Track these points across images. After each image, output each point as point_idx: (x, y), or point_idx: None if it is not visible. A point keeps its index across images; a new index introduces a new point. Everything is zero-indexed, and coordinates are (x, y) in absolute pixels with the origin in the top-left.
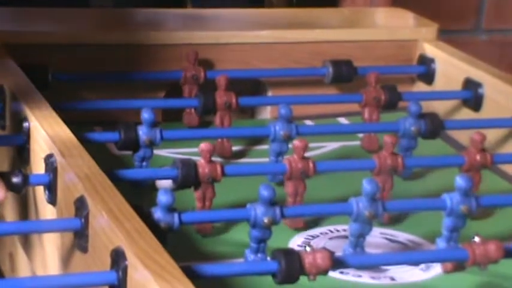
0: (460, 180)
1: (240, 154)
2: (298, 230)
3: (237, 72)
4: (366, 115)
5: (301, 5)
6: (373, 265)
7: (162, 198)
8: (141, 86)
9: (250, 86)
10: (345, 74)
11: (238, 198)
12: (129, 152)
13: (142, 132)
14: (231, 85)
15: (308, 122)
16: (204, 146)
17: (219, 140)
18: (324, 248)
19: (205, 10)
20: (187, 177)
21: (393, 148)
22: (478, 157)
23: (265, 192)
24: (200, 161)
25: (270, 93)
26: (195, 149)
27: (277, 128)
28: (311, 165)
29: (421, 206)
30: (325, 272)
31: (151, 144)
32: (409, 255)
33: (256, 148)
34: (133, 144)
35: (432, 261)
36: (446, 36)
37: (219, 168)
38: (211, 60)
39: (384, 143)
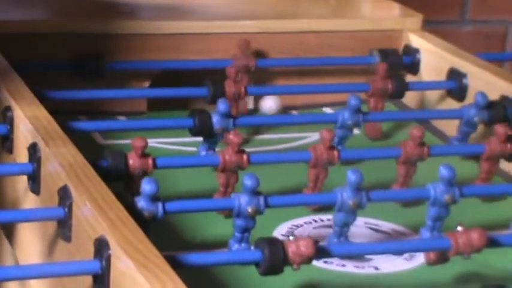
0: (443, 170)
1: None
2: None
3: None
4: (372, 104)
5: None
6: (357, 254)
7: (146, 187)
8: (125, 75)
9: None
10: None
11: None
12: (115, 142)
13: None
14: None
15: (294, 112)
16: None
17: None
18: (308, 237)
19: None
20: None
21: (330, 142)
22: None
23: (248, 182)
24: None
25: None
26: (183, 139)
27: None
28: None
29: (405, 196)
30: (308, 261)
31: None
32: (393, 245)
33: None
34: None
35: (416, 251)
36: (431, 26)
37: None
38: (199, 51)
39: (322, 139)
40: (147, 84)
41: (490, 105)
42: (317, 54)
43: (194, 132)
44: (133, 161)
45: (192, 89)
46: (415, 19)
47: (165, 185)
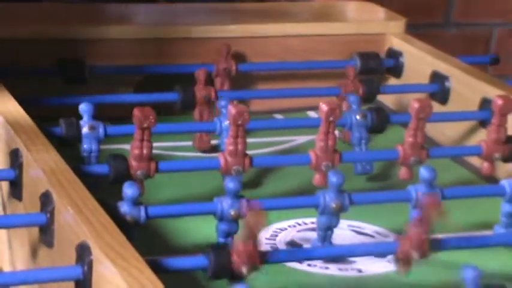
0: (424, 172)
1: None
2: None
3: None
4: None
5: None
6: (308, 259)
7: (128, 191)
8: (108, 81)
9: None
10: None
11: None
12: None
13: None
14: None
15: (278, 116)
16: None
17: (198, 134)
18: (255, 243)
19: (176, 4)
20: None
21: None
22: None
23: (231, 185)
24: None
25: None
26: (166, 144)
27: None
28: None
29: (387, 198)
30: (256, 268)
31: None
32: (375, 247)
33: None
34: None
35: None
36: (416, 30)
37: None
38: (185, 55)
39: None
40: (131, 89)
41: None
42: (302, 58)
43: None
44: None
45: (162, 94)
46: (399, 23)
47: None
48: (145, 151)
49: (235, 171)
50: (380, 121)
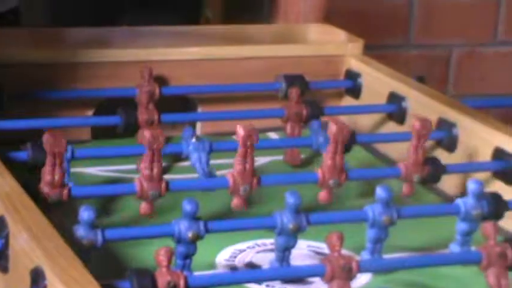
0: (380, 191)
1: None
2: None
3: (167, 89)
4: (289, 130)
5: (236, 20)
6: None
7: (84, 214)
8: (69, 104)
9: (181, 103)
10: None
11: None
12: None
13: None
14: (163, 101)
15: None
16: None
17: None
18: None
19: (139, 28)
20: None
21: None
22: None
23: (188, 207)
24: None
25: (199, 110)
26: (123, 166)
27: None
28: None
29: (344, 218)
30: None
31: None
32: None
33: (181, 165)
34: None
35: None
36: (376, 51)
37: None
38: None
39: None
40: (90, 112)
41: None
42: (261, 80)
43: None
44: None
45: (105, 118)
46: (357, 44)
47: None
48: (155, 171)
49: (151, 196)
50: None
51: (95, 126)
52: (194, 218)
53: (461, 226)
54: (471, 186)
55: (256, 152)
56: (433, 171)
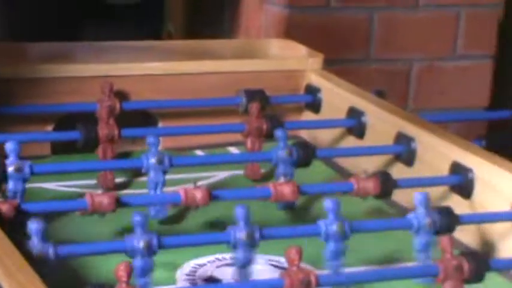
0: (329, 203)
1: (123, 185)
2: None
3: (128, 104)
4: (249, 144)
5: (198, 35)
6: None
7: (33, 226)
8: (29, 119)
9: (142, 118)
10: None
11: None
12: None
13: (10, 164)
14: (124, 116)
15: (199, 152)
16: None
17: (102, 172)
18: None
19: (101, 42)
20: None
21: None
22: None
23: (138, 218)
24: None
25: (160, 124)
26: (83, 181)
27: (149, 160)
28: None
29: (297, 233)
30: None
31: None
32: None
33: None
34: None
35: None
36: (337, 65)
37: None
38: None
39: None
40: (50, 127)
41: None
42: (222, 94)
43: None
44: None
45: (65, 133)
46: (317, 59)
47: None
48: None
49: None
50: (306, 156)
51: (54, 142)
52: (145, 231)
53: (417, 239)
54: (417, 197)
55: (217, 166)
56: (384, 186)
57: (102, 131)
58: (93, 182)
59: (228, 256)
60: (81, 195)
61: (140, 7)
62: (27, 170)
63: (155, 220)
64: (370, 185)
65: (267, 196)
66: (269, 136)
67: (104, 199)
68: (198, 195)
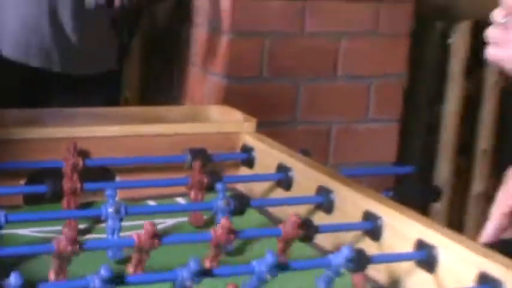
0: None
1: (86, 231)
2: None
3: (90, 161)
4: (192, 196)
5: (151, 101)
6: None
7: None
8: (3, 174)
9: (102, 172)
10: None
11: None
12: None
13: None
14: (86, 171)
15: (151, 202)
16: None
17: (67, 220)
18: None
19: (68, 109)
20: None
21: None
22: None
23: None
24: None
25: (118, 179)
26: (55, 227)
27: (108, 210)
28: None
29: (234, 272)
30: None
31: None
32: None
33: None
34: None
35: None
36: (268, 127)
37: None
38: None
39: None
40: (22, 181)
41: None
42: (170, 153)
43: None
44: None
45: (34, 187)
46: (251, 123)
47: None
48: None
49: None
50: (241, 205)
51: (25, 194)
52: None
53: (328, 275)
54: (344, 250)
55: (165, 214)
56: (307, 231)
57: (66, 185)
58: (60, 228)
59: None
60: (49, 240)
61: (101, 77)
62: (2, 218)
63: (112, 260)
64: (296, 231)
65: (208, 240)
66: (210, 188)
67: (68, 244)
68: (149, 240)
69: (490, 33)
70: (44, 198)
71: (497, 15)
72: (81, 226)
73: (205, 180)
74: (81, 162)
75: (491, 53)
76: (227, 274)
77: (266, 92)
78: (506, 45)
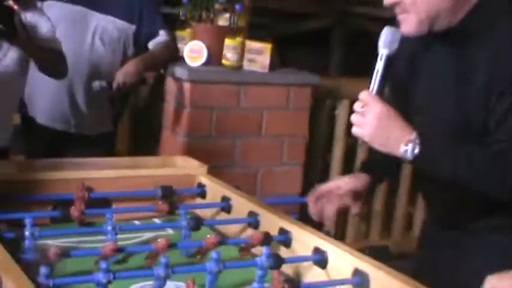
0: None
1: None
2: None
3: (93, 194)
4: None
5: (139, 152)
6: None
7: (42, 269)
8: (37, 203)
9: (102, 201)
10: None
11: None
12: None
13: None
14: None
15: (136, 222)
16: None
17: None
18: None
19: (79, 159)
20: None
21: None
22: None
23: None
24: None
25: (113, 206)
26: (72, 239)
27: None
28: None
29: (193, 270)
30: None
31: None
32: None
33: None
34: None
35: None
36: (216, 169)
37: None
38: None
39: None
40: (50, 207)
41: None
42: (149, 188)
43: None
44: None
45: (52, 212)
46: (204, 168)
47: None
48: None
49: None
50: (197, 224)
51: (51, 217)
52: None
53: (259, 273)
54: (264, 251)
55: (146, 230)
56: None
57: (73, 212)
58: (75, 239)
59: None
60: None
61: (102, 136)
62: (36, 233)
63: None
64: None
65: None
66: (170, 213)
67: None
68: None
69: (353, 118)
70: (64, 220)
71: (357, 106)
72: (88, 238)
73: (168, 207)
74: (87, 195)
75: (355, 131)
76: (188, 271)
77: (214, 146)
78: (363, 127)
